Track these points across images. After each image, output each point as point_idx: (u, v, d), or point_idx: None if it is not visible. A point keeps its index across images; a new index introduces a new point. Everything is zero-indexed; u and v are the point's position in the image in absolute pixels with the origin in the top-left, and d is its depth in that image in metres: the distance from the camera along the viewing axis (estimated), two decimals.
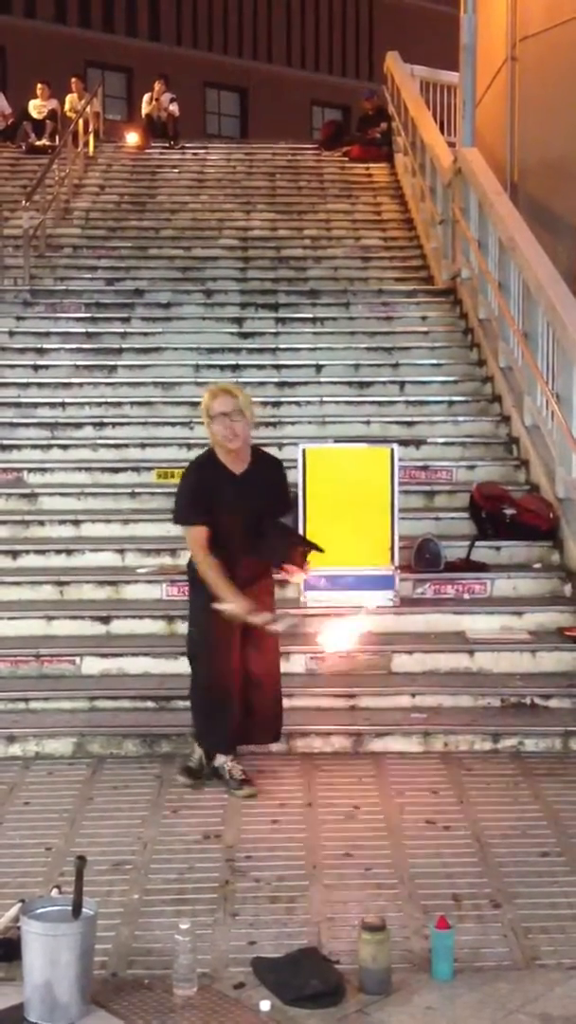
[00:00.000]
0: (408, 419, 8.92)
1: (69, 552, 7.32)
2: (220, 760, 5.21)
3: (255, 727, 5.23)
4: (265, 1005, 3.45)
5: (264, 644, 5.13)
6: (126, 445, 8.63)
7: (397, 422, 8.88)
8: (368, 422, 8.86)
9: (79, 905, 3.49)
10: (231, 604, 4.89)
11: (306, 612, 6.61)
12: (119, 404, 9.22)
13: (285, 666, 6.21)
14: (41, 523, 7.69)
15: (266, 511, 5.06)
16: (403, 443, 7.76)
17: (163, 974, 3.60)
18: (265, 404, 9.11)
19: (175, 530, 5.64)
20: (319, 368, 9.71)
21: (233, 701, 5.08)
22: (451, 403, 9.18)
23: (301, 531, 6.67)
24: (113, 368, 9.79)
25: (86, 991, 3.44)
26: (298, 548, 5.17)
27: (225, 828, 4.81)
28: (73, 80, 17.71)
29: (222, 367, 9.70)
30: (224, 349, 10.05)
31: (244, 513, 4.98)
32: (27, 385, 9.52)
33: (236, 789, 5.11)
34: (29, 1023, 3.39)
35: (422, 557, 7.02)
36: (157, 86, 17.31)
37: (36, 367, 9.79)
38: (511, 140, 12.40)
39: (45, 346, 10.06)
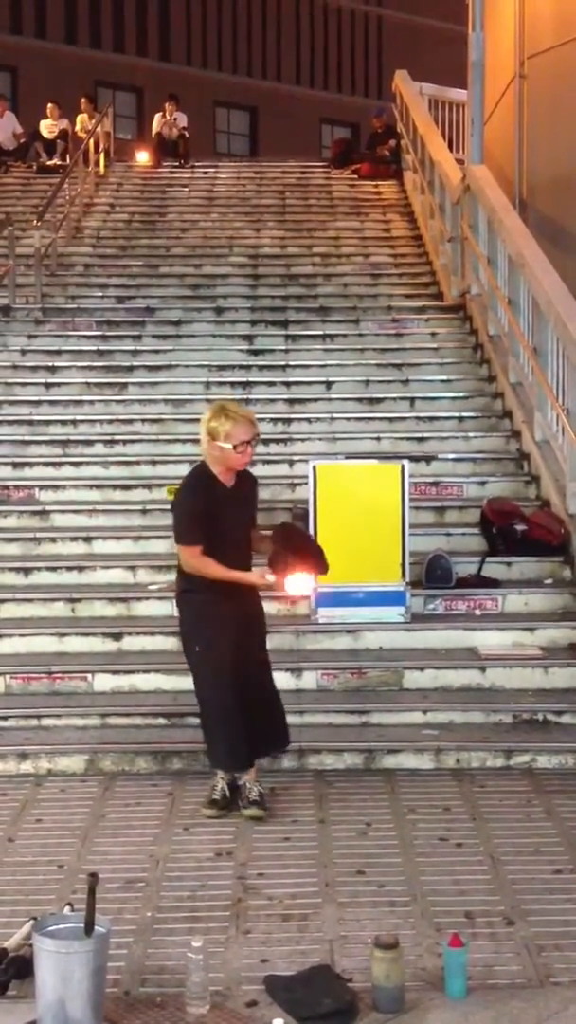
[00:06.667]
0: (418, 435, 8.92)
1: (81, 569, 7.33)
2: (244, 778, 5.18)
3: (266, 736, 5.17)
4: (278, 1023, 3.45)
5: (258, 651, 5.16)
6: (137, 462, 8.65)
7: (407, 438, 8.89)
8: (378, 438, 8.86)
9: (91, 922, 3.49)
10: (257, 580, 5.02)
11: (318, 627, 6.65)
12: (130, 421, 9.25)
13: (297, 683, 6.26)
14: (53, 540, 7.71)
15: (247, 521, 5.20)
16: (414, 459, 7.76)
17: (176, 992, 3.60)
18: (275, 421, 9.15)
19: None
20: (329, 385, 9.73)
21: (240, 716, 5.06)
22: (461, 419, 9.19)
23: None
24: (124, 385, 9.83)
25: (99, 1009, 3.43)
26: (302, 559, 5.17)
27: (237, 845, 4.81)
28: (82, 100, 17.84)
29: (232, 384, 9.73)
30: (234, 366, 10.08)
31: (235, 523, 5.09)
32: (39, 403, 9.56)
33: (244, 807, 5.09)
34: None
35: (433, 573, 7.02)
36: (168, 106, 17.42)
37: (48, 385, 9.84)
38: (520, 157, 12.44)
39: (57, 364, 10.11)
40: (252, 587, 5.14)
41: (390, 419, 9.21)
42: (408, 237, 13.67)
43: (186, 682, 6.06)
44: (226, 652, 5.04)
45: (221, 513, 5.04)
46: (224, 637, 5.03)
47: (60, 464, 8.67)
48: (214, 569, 4.98)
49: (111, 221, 14.30)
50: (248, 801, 5.09)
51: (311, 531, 6.68)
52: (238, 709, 5.04)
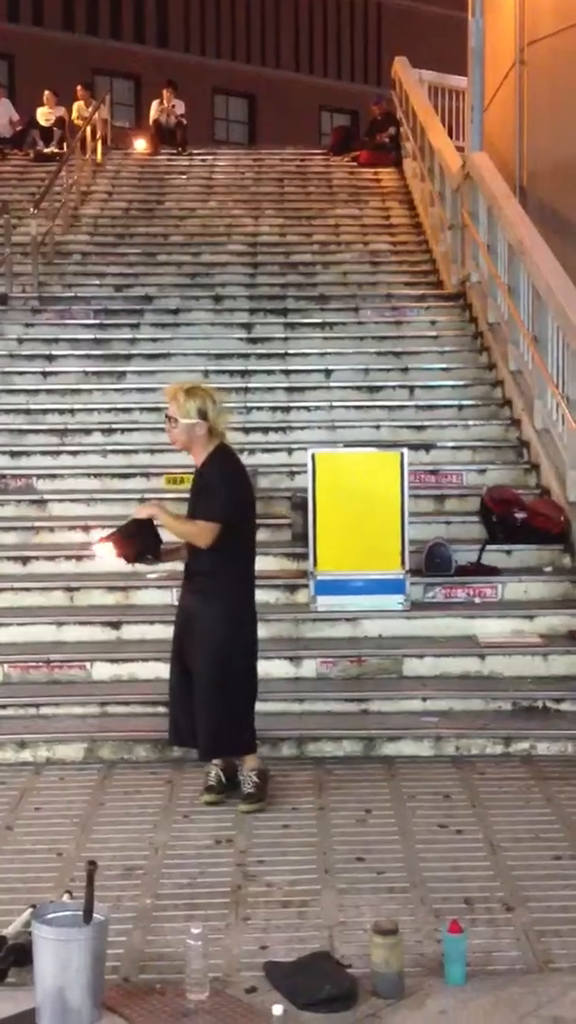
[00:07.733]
0: (418, 423, 8.91)
1: (79, 558, 7.30)
2: (241, 768, 5.15)
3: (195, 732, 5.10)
4: (278, 1009, 3.43)
5: (194, 649, 5.04)
6: (135, 451, 8.64)
7: (407, 426, 8.87)
8: (378, 426, 8.85)
9: (90, 910, 3.49)
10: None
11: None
12: (128, 410, 9.22)
13: (296, 670, 6.26)
14: (51, 529, 7.70)
15: (192, 509, 5.07)
16: (413, 447, 7.74)
17: (175, 979, 3.60)
18: (274, 409, 9.14)
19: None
20: (328, 373, 9.71)
21: (173, 694, 5.15)
22: (461, 407, 9.17)
23: (312, 536, 6.69)
24: (122, 374, 9.81)
25: (98, 996, 3.44)
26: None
27: (236, 833, 4.81)
28: (78, 88, 17.77)
29: (231, 372, 9.71)
30: (233, 355, 10.05)
31: (189, 507, 5.11)
32: (36, 392, 9.53)
33: (240, 802, 5.06)
34: None
35: (432, 561, 7.02)
36: (165, 93, 17.37)
37: (45, 374, 9.82)
38: (520, 144, 12.38)
39: (54, 353, 10.08)
40: (192, 583, 5.07)
41: (389, 407, 9.19)
42: (408, 225, 13.63)
43: None
44: (174, 636, 5.19)
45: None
46: (176, 621, 5.20)
47: (58, 453, 8.66)
48: None
49: (108, 209, 14.26)
50: (244, 795, 5.08)
51: (311, 519, 6.70)
52: (173, 688, 5.14)
